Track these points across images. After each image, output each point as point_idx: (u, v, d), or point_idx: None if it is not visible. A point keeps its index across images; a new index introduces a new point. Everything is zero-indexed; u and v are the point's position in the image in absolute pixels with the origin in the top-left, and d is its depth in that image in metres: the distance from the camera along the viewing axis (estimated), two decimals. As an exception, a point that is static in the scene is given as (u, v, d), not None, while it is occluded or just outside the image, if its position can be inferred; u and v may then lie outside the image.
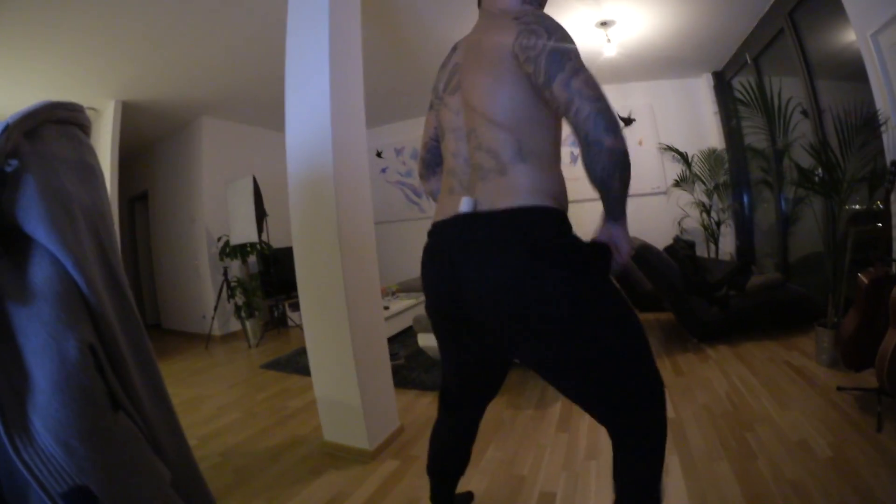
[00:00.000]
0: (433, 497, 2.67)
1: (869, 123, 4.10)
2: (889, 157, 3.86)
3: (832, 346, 4.41)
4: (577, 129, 1.70)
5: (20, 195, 1.07)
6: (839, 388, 3.96)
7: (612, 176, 1.72)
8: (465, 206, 1.89)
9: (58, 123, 1.22)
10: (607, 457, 3.14)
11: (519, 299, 1.76)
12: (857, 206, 4.76)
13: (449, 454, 2.60)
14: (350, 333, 3.70)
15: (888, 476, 2.77)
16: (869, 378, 3.87)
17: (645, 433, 1.93)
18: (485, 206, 1.86)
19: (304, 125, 3.85)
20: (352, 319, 3.72)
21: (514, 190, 1.82)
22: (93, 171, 1.31)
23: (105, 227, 1.30)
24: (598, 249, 1.89)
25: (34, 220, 1.06)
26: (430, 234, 2.15)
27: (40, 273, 1.06)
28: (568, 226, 1.89)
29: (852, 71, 4.48)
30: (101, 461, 1.04)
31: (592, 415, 2.02)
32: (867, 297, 3.60)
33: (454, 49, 2.26)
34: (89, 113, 6.61)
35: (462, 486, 3.06)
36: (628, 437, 1.98)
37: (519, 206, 1.80)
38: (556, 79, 1.72)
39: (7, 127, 1.06)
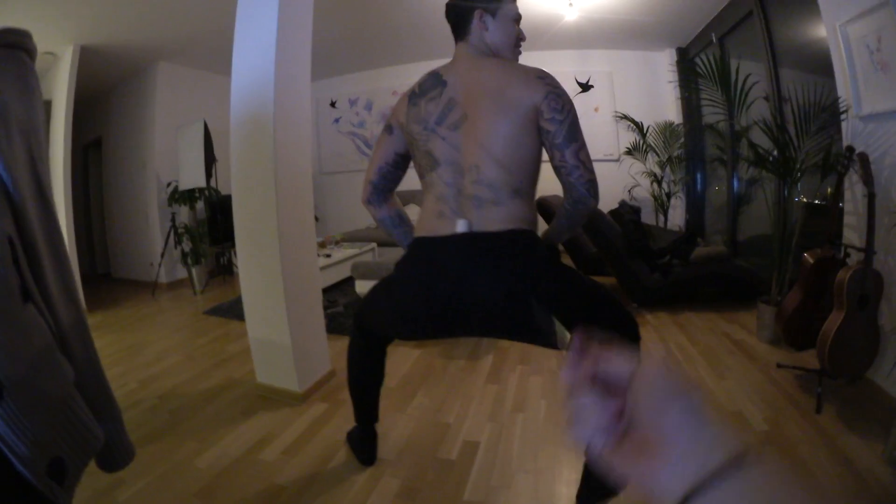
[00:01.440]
0: (358, 416, 2.99)
1: (827, 109, 4.13)
2: (846, 145, 3.83)
3: (774, 323, 4.43)
4: (571, 187, 2.16)
5: None
6: (779, 365, 4.01)
7: (580, 223, 2.36)
8: (461, 226, 2.15)
9: (5, 47, 1.21)
10: (534, 411, 3.35)
11: (528, 299, 2.13)
12: (814, 202, 4.78)
13: (368, 370, 2.91)
14: (282, 277, 3.75)
15: (827, 459, 2.80)
16: (809, 358, 3.91)
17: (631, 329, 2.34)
18: (478, 228, 2.15)
19: (249, 69, 3.83)
20: (284, 264, 3.76)
21: (506, 217, 2.15)
22: (32, 90, 1.33)
23: (37, 140, 1.33)
24: (553, 249, 2.45)
25: None
26: (422, 246, 2.32)
27: None
28: (541, 244, 2.28)
29: (817, 64, 4.52)
30: (6, 344, 1.05)
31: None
32: (811, 276, 3.64)
33: (438, 81, 2.32)
34: (47, 57, 6.68)
35: (387, 431, 3.24)
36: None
37: (512, 228, 2.16)
38: (570, 146, 2.11)
39: None
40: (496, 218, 2.14)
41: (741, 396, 3.59)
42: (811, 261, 3.63)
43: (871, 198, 3.23)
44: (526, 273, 2.14)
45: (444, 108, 2.24)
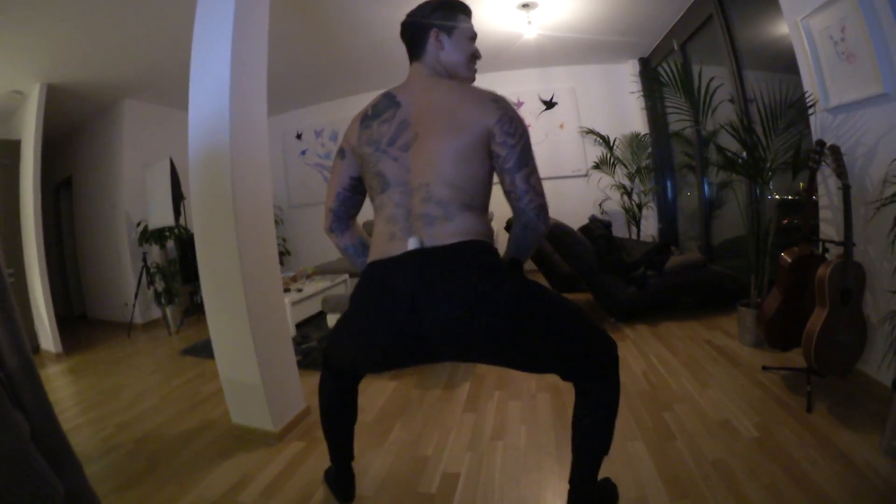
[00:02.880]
0: (333, 455, 2.89)
1: (793, 106, 4.14)
2: (816, 139, 3.82)
3: (755, 326, 4.42)
4: (520, 212, 2.20)
5: None
6: (764, 368, 4.00)
7: (531, 248, 2.35)
8: (413, 244, 2.07)
9: None
10: (514, 437, 3.29)
11: (487, 310, 2.03)
12: (787, 196, 4.81)
13: (339, 409, 2.82)
14: (248, 314, 3.66)
15: (823, 458, 2.75)
16: (795, 358, 3.89)
17: (605, 373, 2.29)
18: (429, 244, 2.07)
19: (205, 105, 3.79)
20: (249, 301, 3.68)
21: (457, 231, 2.08)
22: None
23: None
24: (515, 263, 2.37)
25: None
26: (373, 270, 2.24)
27: None
28: (498, 254, 2.22)
29: (781, 62, 4.53)
30: None
31: (562, 373, 2.31)
32: (790, 276, 3.63)
33: (392, 102, 2.32)
34: (14, 96, 6.72)
35: (365, 467, 3.18)
36: (592, 379, 2.30)
37: (462, 241, 2.08)
38: (521, 170, 2.13)
39: None
40: (447, 232, 2.08)
41: (727, 404, 3.54)
42: (789, 260, 3.62)
43: (846, 190, 3.21)
44: (481, 281, 2.06)
45: (396, 129, 2.22)
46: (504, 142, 2.10)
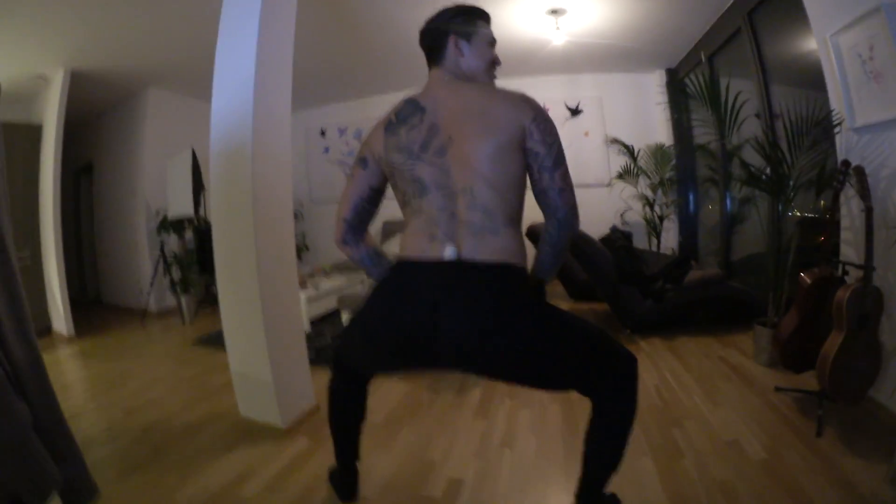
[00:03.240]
0: (338, 454, 2.85)
1: (819, 123, 4.10)
2: (841, 159, 3.79)
3: (770, 346, 4.38)
4: (555, 210, 2.16)
5: None
6: (777, 389, 3.96)
7: (566, 249, 2.28)
8: (449, 253, 2.07)
9: None
10: (523, 447, 3.27)
11: (504, 335, 2.04)
12: (806, 214, 4.77)
13: (348, 409, 2.77)
14: (261, 308, 3.69)
15: (828, 484, 2.71)
16: (809, 380, 3.83)
17: (623, 392, 2.26)
18: (468, 256, 2.07)
19: (229, 99, 3.80)
20: (263, 295, 3.71)
21: (500, 249, 2.10)
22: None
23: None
24: (540, 285, 2.36)
25: None
26: (403, 268, 2.25)
27: None
28: (527, 278, 2.27)
29: (808, 78, 4.47)
30: None
31: (580, 390, 2.29)
32: (808, 297, 3.57)
33: (417, 108, 2.27)
34: (38, 81, 6.83)
35: (370, 468, 3.16)
36: (610, 397, 2.27)
37: (503, 262, 2.10)
38: (559, 168, 2.13)
39: None
40: (490, 248, 2.08)
41: (738, 424, 3.50)
42: (809, 281, 3.58)
43: (868, 212, 3.17)
44: (505, 308, 2.06)
45: (427, 134, 2.18)
46: (543, 139, 2.10)
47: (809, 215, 4.71)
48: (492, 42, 2.40)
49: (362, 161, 2.39)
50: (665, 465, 3.03)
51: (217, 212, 3.90)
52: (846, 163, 3.50)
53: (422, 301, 2.08)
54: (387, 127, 2.29)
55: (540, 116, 2.12)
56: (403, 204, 2.31)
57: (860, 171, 3.30)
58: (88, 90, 8.02)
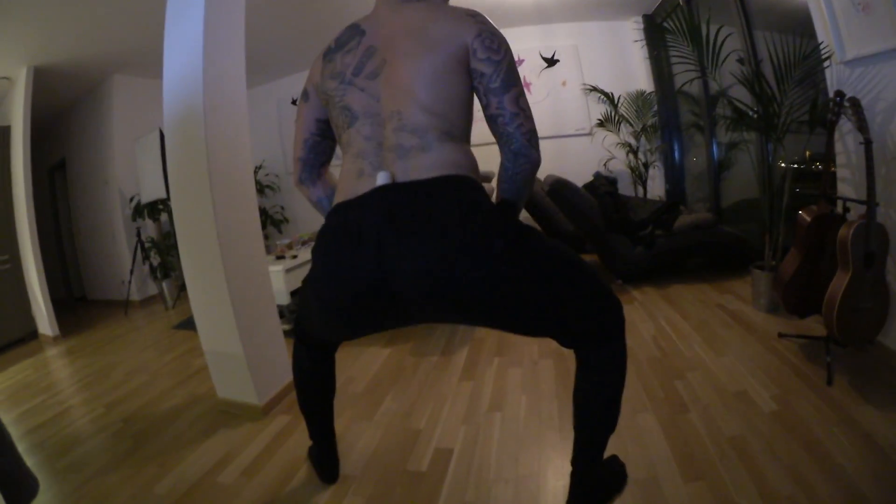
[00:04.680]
0: (311, 432, 2.82)
1: (808, 57, 4.01)
2: (836, 90, 3.66)
3: (770, 290, 4.32)
4: (509, 138, 1.96)
5: None
6: (781, 335, 3.85)
7: (527, 183, 2.07)
8: (382, 179, 1.85)
9: None
10: (513, 408, 3.19)
11: (470, 260, 1.82)
12: (796, 165, 4.67)
13: (315, 382, 2.72)
14: (226, 281, 3.59)
15: (845, 436, 2.60)
16: (813, 325, 3.78)
17: (610, 338, 2.12)
18: (403, 178, 1.86)
19: (178, 68, 3.73)
20: (227, 267, 3.60)
21: (436, 163, 1.87)
22: None
23: None
24: (508, 205, 2.10)
25: None
26: (336, 214, 2.02)
27: None
28: (485, 192, 2.00)
29: (793, 22, 4.44)
30: None
31: (561, 338, 2.13)
32: (809, 235, 3.46)
33: (356, 31, 2.15)
34: (2, 82, 6.81)
35: (352, 442, 3.12)
36: (596, 345, 2.12)
37: (444, 174, 1.86)
38: (509, 91, 1.93)
39: None
40: (423, 165, 1.85)
41: (744, 374, 3.39)
42: (808, 219, 3.44)
43: (867, 145, 3.05)
44: (464, 224, 1.82)
45: (361, 58, 2.04)
46: (487, 58, 1.93)
47: (801, 166, 4.59)
48: None
49: (304, 94, 2.30)
50: (669, 421, 2.93)
51: (175, 188, 3.78)
52: (840, 93, 3.38)
53: (364, 240, 1.85)
54: (325, 54, 2.19)
55: (486, 31, 1.95)
56: (337, 138, 2.20)
57: (855, 103, 3.19)
58: (53, 85, 7.99)
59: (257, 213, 4.02)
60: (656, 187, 8.86)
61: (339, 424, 3.17)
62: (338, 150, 2.26)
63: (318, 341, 2.56)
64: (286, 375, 3.95)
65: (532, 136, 1.96)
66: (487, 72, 1.92)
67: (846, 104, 3.28)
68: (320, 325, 2.31)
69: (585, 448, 2.23)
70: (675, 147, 8.82)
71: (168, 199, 7.57)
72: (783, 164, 4.50)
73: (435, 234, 1.78)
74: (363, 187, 1.89)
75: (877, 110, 3.39)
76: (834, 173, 3.74)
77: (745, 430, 2.74)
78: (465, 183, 1.87)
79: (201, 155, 3.51)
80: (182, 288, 8.49)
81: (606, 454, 2.37)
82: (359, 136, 1.98)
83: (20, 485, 1.48)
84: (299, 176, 2.39)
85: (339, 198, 2.00)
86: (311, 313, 2.30)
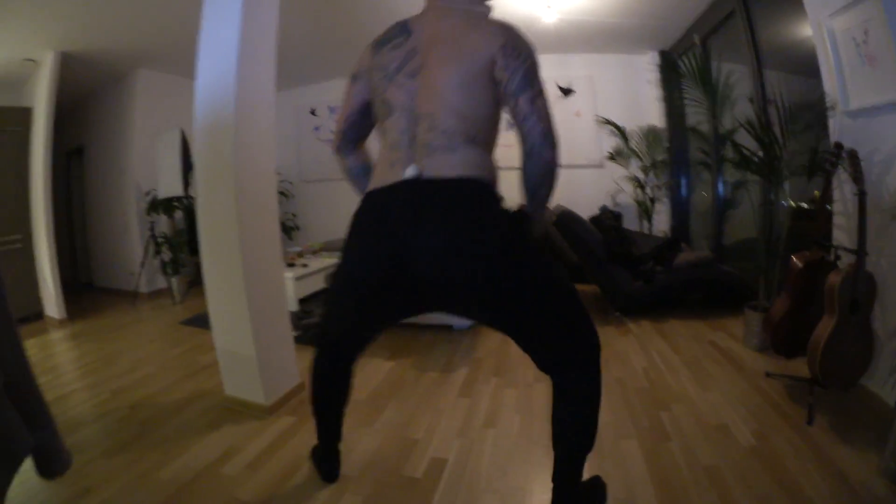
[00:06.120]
0: (320, 435, 2.89)
1: (813, 107, 4.11)
2: (835, 141, 3.78)
3: (761, 330, 4.38)
4: (525, 138, 2.08)
5: None
6: (768, 375, 3.96)
7: (544, 184, 2.16)
8: (410, 171, 2.04)
9: None
10: (506, 426, 3.29)
11: (472, 250, 2.02)
12: (800, 204, 4.78)
13: (332, 390, 2.77)
14: (245, 285, 3.71)
15: (818, 473, 2.70)
16: (800, 366, 3.82)
17: (585, 364, 2.25)
18: (430, 174, 2.03)
19: (211, 72, 3.82)
20: (247, 271, 3.73)
21: (459, 163, 2.05)
22: None
23: None
24: (522, 215, 2.23)
25: None
26: (368, 199, 2.23)
27: None
28: (501, 197, 2.15)
29: (802, 64, 4.48)
30: None
31: (539, 357, 2.26)
32: (800, 280, 3.59)
33: (404, 30, 2.31)
34: (27, 64, 6.87)
35: (352, 446, 3.20)
36: (571, 370, 2.24)
37: (465, 175, 2.05)
38: (525, 92, 2.05)
39: None
40: (448, 164, 2.05)
41: (727, 408, 3.51)
42: (800, 264, 3.57)
43: (861, 196, 3.17)
44: (474, 219, 2.04)
45: (405, 56, 2.21)
46: (506, 64, 2.06)
47: (803, 205, 4.71)
48: None
49: (354, 77, 2.44)
50: (651, 448, 3.03)
51: (201, 189, 3.88)
52: (839, 145, 3.49)
53: (390, 228, 2.09)
54: (374, 44, 2.35)
55: (510, 42, 2.09)
56: (377, 127, 2.38)
57: (853, 155, 3.30)
58: (78, 72, 8.04)
59: (277, 220, 4.15)
60: (662, 222, 8.91)
61: (347, 424, 3.16)
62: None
63: (340, 344, 2.63)
64: (293, 379, 4.07)
65: (547, 136, 2.06)
66: (505, 78, 2.05)
67: (844, 155, 3.39)
68: (348, 317, 2.46)
69: (564, 466, 2.33)
70: (683, 183, 8.89)
71: (185, 197, 7.82)
72: (793, 204, 4.63)
73: (447, 223, 1.99)
74: (393, 177, 2.09)
75: (875, 161, 3.49)
76: (830, 219, 3.85)
77: (721, 461, 2.85)
78: (481, 186, 2.05)
79: (229, 159, 3.62)
80: (191, 284, 8.71)
81: (590, 473, 2.49)
82: (394, 128, 2.17)
83: (57, 458, 1.59)
84: (338, 145, 2.55)
85: (373, 184, 2.20)
86: (340, 304, 2.46)
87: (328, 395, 2.78)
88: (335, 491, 2.80)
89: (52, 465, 1.58)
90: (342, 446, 2.94)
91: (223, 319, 3.94)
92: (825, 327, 3.20)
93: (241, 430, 3.55)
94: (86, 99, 9.55)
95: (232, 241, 3.68)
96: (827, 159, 3.55)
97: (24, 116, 7.44)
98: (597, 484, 2.59)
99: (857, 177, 3.20)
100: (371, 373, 4.34)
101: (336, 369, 2.72)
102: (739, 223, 6.72)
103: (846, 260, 3.47)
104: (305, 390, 4.02)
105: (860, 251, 3.14)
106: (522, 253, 2.10)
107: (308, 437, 3.30)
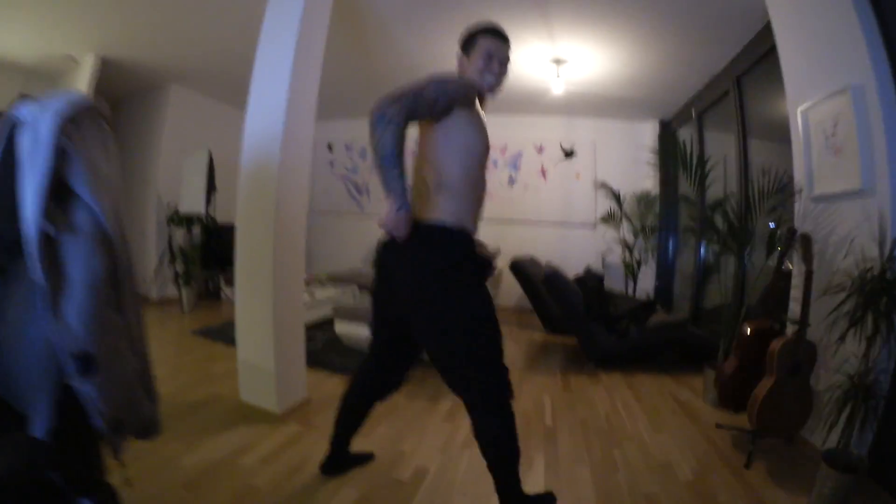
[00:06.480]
0: (336, 434, 3.25)
1: (780, 191, 4.48)
2: (798, 223, 4.20)
3: (713, 386, 4.64)
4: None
5: (72, 165, 1.57)
6: (718, 426, 4.27)
7: (372, 137, 2.36)
8: None
9: (89, 114, 1.71)
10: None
11: (414, 288, 2.50)
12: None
13: (365, 389, 3.13)
14: (273, 308, 4.10)
15: None
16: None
17: (490, 397, 2.56)
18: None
19: (263, 113, 4.18)
20: (276, 295, 4.11)
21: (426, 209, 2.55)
22: (111, 152, 1.83)
23: (117, 193, 1.84)
24: (481, 263, 2.69)
25: (80, 183, 1.58)
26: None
27: (81, 216, 1.57)
28: (456, 238, 2.56)
29: (782, 135, 4.68)
30: (100, 338, 1.54)
31: (456, 388, 2.62)
32: (747, 344, 3.98)
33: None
34: (69, 62, 7.13)
35: (353, 451, 3.44)
36: (478, 400, 2.58)
37: (427, 222, 2.50)
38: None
39: (59, 116, 1.56)
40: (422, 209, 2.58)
41: (673, 450, 3.84)
42: (748, 331, 3.98)
43: (808, 275, 3.52)
44: (413, 270, 2.51)
45: None
46: None
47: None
48: (487, 52, 2.70)
49: (467, 100, 2.64)
50: (600, 476, 3.40)
51: (242, 217, 4.30)
52: (791, 230, 3.89)
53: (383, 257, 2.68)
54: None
55: None
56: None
57: (806, 238, 3.66)
58: (115, 78, 8.33)
59: (304, 251, 4.53)
60: (647, 282, 9.25)
61: None
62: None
63: (379, 351, 3.02)
64: (301, 393, 4.51)
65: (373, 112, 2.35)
66: None
67: (796, 239, 3.79)
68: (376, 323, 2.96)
69: (499, 478, 2.67)
70: (671, 247, 9.22)
71: (205, 215, 8.16)
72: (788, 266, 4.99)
73: (403, 265, 2.54)
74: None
75: (829, 242, 3.83)
76: (780, 292, 4.18)
77: (660, 492, 3.20)
78: (436, 231, 2.52)
79: (272, 190, 4.06)
80: (200, 296, 8.98)
81: (545, 490, 2.94)
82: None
83: (156, 424, 2.00)
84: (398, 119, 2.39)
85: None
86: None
87: (361, 392, 3.14)
88: (336, 484, 3.18)
89: (150, 429, 1.97)
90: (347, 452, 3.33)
91: (249, 334, 4.33)
92: (764, 385, 3.56)
93: (255, 430, 3.86)
94: (119, 104, 9.76)
95: (266, 266, 4.12)
96: (780, 241, 3.97)
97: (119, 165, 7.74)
98: (548, 496, 2.90)
99: (807, 257, 3.56)
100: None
101: (377, 373, 3.08)
102: (720, 288, 6.96)
103: (792, 329, 3.77)
104: (311, 405, 4.42)
105: (803, 322, 3.50)
106: (456, 294, 2.48)
107: (316, 441, 3.66)
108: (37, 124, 1.55)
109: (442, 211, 2.52)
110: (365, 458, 3.46)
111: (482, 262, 2.70)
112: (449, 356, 2.55)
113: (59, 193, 1.56)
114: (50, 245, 1.51)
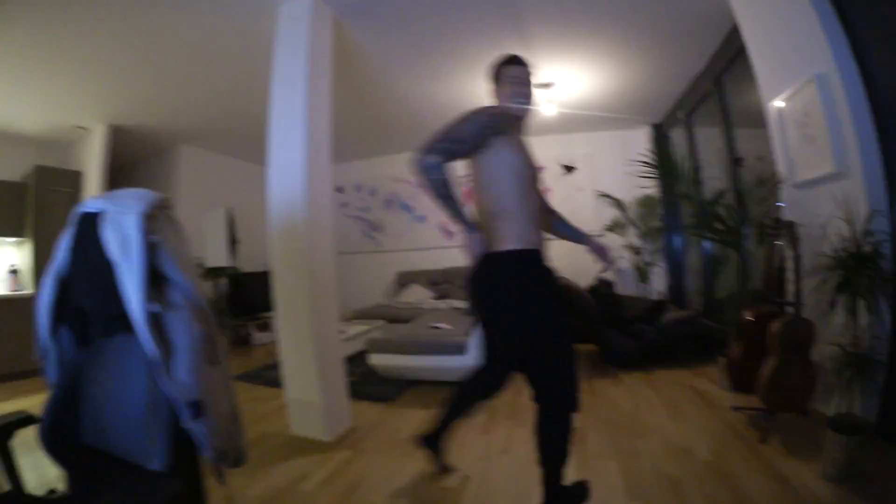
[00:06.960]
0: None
1: (764, 184, 4.78)
2: (784, 211, 4.46)
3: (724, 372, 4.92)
4: None
5: (159, 255, 1.90)
6: (734, 408, 4.44)
7: (429, 189, 2.71)
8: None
9: (161, 207, 2.05)
10: (516, 453, 3.95)
11: (500, 308, 2.80)
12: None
13: (479, 384, 3.49)
14: (314, 346, 4.39)
15: (764, 479, 3.21)
16: (762, 399, 4.32)
17: (554, 420, 2.83)
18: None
19: (284, 167, 4.55)
20: (316, 334, 4.40)
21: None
22: (183, 236, 2.15)
23: (195, 268, 2.16)
24: (551, 275, 2.94)
25: (170, 268, 1.92)
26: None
27: (176, 294, 1.92)
28: (524, 257, 2.80)
29: (763, 121, 4.90)
30: (204, 387, 1.89)
31: (538, 397, 2.85)
32: (749, 330, 4.25)
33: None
34: (79, 132, 7.53)
35: (402, 468, 3.81)
36: (542, 415, 2.84)
37: (498, 250, 2.77)
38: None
39: (140, 216, 1.89)
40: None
41: (692, 435, 4.06)
42: (749, 317, 4.25)
43: (797, 259, 3.76)
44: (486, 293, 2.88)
45: None
46: None
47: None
48: (511, 78, 3.01)
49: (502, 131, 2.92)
50: (626, 465, 3.61)
51: (277, 265, 4.59)
52: (777, 220, 4.08)
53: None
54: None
55: None
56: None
57: (790, 226, 3.86)
58: (124, 143, 8.68)
59: (337, 292, 4.79)
60: (660, 282, 9.47)
61: (394, 455, 4.03)
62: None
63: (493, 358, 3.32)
64: (347, 422, 4.75)
65: (421, 148, 2.67)
66: None
67: (781, 227, 3.99)
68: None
69: (545, 472, 2.88)
70: (678, 245, 9.43)
71: (231, 267, 8.56)
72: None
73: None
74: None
75: (815, 224, 4.04)
76: (775, 278, 4.31)
77: (681, 472, 3.41)
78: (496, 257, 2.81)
79: (301, 236, 4.38)
80: (231, 344, 9.28)
81: (579, 478, 3.14)
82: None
83: (243, 455, 2.25)
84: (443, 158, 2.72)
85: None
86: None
87: (475, 385, 3.49)
88: (391, 498, 3.41)
89: (243, 458, 2.25)
90: (394, 463, 3.74)
91: (295, 371, 4.60)
92: (769, 366, 3.79)
93: (309, 460, 4.08)
94: (132, 167, 10.07)
95: (304, 309, 4.41)
96: (767, 230, 4.18)
97: (75, 179, 8.21)
98: (582, 484, 3.10)
99: (794, 243, 3.80)
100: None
101: (490, 374, 3.42)
102: (727, 280, 7.26)
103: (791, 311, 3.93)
104: (357, 432, 4.64)
105: (797, 303, 3.74)
106: (531, 309, 2.75)
107: (364, 465, 3.95)
108: (121, 222, 1.88)
109: (506, 239, 2.77)
110: (445, 456, 3.72)
111: (552, 274, 2.94)
112: (538, 366, 2.82)
113: (154, 278, 1.88)
114: (156, 321, 1.84)
